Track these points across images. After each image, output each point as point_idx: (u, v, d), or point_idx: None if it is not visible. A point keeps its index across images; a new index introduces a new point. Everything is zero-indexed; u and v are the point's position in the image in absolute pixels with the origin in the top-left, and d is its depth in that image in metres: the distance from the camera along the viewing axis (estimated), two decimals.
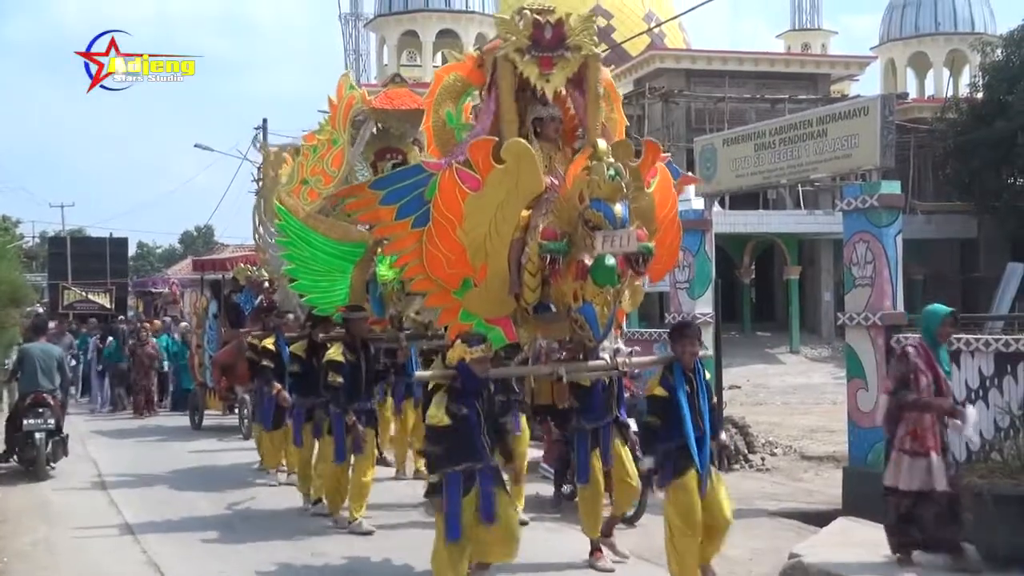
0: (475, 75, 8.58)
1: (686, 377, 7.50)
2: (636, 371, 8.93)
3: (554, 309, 7.71)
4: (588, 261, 7.16)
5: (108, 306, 30.73)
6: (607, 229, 7.09)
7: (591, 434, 8.60)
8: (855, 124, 14.24)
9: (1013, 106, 29.23)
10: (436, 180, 7.50)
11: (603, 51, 8.47)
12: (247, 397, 16.08)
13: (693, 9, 36.70)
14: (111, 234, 39.43)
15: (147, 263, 79.79)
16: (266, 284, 15.63)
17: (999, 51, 32.16)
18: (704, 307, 13.32)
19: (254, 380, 13.49)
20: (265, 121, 35.61)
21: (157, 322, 24.16)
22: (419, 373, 8.32)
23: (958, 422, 7.74)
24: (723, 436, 7.82)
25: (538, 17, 7.84)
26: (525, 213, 7.58)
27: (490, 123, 7.99)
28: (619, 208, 7.16)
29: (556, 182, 7.73)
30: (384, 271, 10.53)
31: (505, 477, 7.68)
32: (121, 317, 28.43)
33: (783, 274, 32.62)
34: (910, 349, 8.06)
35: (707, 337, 12.45)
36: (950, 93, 39.31)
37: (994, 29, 39.89)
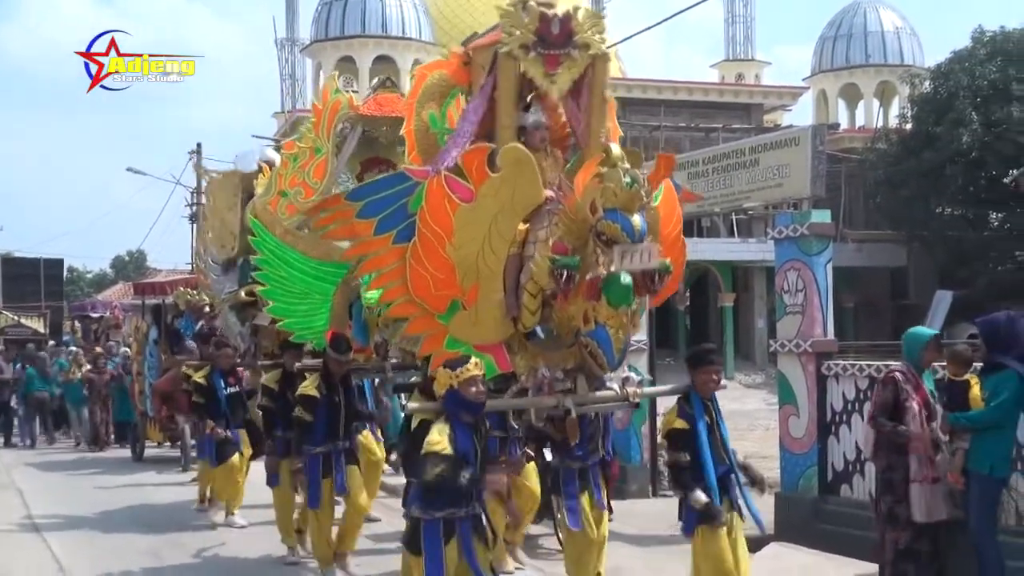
0: (460, 74, 7.83)
1: (704, 407, 6.98)
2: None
3: (541, 335, 6.98)
4: (599, 279, 6.47)
5: (42, 331, 29.74)
6: (624, 242, 6.39)
7: (579, 474, 7.73)
8: (787, 154, 14.47)
9: (941, 137, 29.76)
10: (422, 190, 6.74)
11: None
12: (187, 428, 15.78)
13: (629, 38, 37.29)
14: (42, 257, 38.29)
15: (77, 288, 78.58)
16: (207, 309, 15.11)
17: (927, 83, 32.76)
18: (639, 334, 13.38)
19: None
20: (199, 145, 35.36)
21: (99, 348, 23.42)
22: (411, 405, 7.26)
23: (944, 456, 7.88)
24: (739, 458, 7.24)
25: (545, 10, 7.07)
26: (522, 227, 6.89)
27: (473, 128, 7.23)
28: (637, 219, 6.48)
29: (554, 192, 7.04)
30: (370, 295, 9.76)
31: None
32: (52, 343, 27.68)
33: (717, 301, 32.90)
34: (898, 375, 8.09)
35: (642, 364, 12.52)
36: (880, 124, 40.03)
37: (922, 62, 40.64)
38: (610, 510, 7.99)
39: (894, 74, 40.17)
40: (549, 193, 6.98)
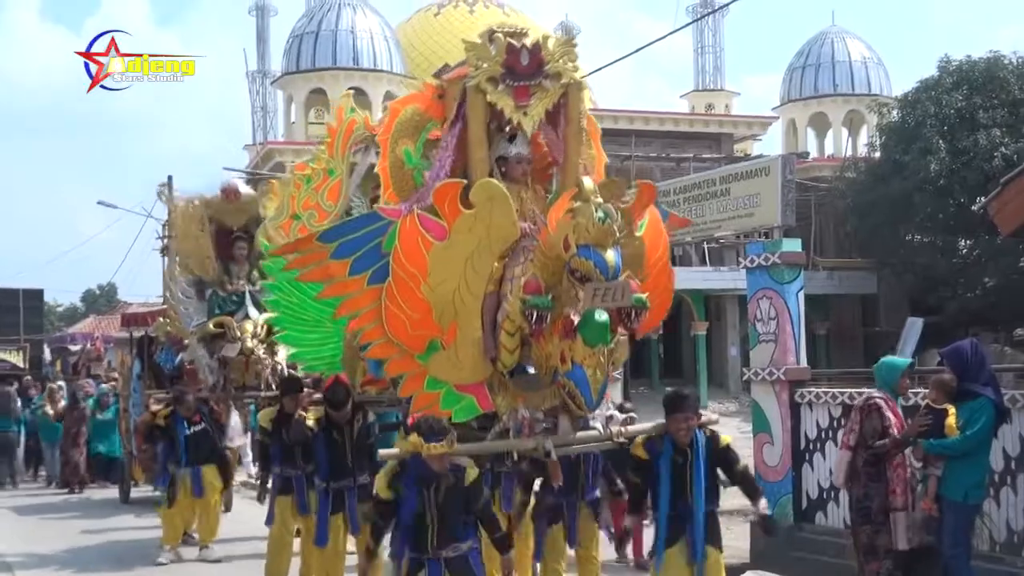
0: (435, 108, 7.66)
1: (677, 448, 6.93)
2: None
3: (532, 371, 6.85)
4: (575, 317, 6.38)
5: (21, 365, 28.18)
6: (597, 280, 6.30)
7: (553, 509, 7.82)
8: (757, 183, 14.58)
9: (908, 166, 29.99)
10: (395, 229, 6.64)
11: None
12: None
13: (599, 70, 37.15)
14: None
15: (47, 321, 77.86)
16: (186, 342, 14.46)
17: (895, 112, 33.07)
18: None
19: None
20: (170, 178, 35.06)
21: (89, 381, 22.40)
22: (382, 452, 7.15)
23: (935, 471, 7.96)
24: (762, 503, 7.26)
25: (512, 41, 6.98)
26: (498, 264, 6.80)
27: (450, 163, 7.11)
28: (611, 255, 6.38)
29: (531, 227, 6.92)
30: None
31: None
32: (27, 378, 26.74)
33: (690, 329, 32.94)
34: (880, 402, 8.12)
35: (616, 393, 12.52)
36: (849, 153, 40.34)
37: (890, 91, 41.05)
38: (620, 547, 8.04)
39: (862, 103, 40.54)
40: (525, 226, 6.88)
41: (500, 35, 7.03)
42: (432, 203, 6.72)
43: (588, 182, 6.57)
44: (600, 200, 6.49)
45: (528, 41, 7.04)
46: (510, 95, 6.92)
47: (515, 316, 6.58)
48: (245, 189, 13.95)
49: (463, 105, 7.12)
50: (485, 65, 6.93)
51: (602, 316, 6.32)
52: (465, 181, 6.82)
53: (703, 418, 7.23)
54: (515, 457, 7.36)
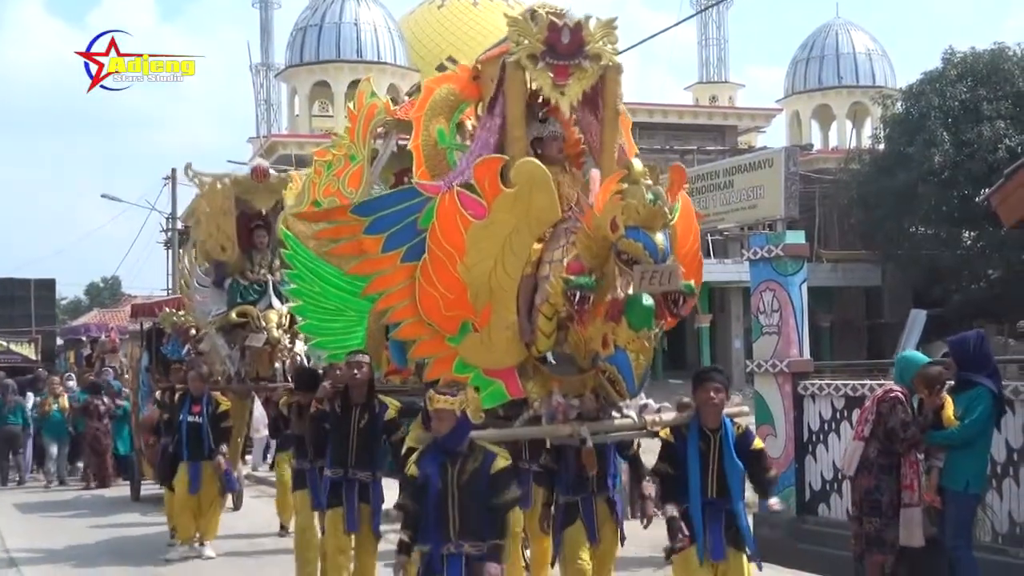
0: (470, 88, 7.57)
1: (703, 433, 6.58)
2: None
3: (552, 360, 6.69)
4: (620, 299, 6.20)
5: (33, 357, 27.66)
6: (646, 262, 6.10)
7: (566, 508, 7.25)
8: (760, 176, 14.57)
9: (913, 157, 30.03)
10: (433, 206, 6.47)
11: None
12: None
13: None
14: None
15: None
16: (193, 332, 14.21)
17: (899, 104, 33.12)
18: None
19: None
20: (174, 171, 35.10)
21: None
22: (413, 433, 7.01)
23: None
24: (774, 501, 6.90)
25: (555, 19, 6.80)
26: (537, 246, 6.64)
27: (495, 141, 6.94)
28: (660, 238, 6.17)
29: (571, 209, 6.74)
30: None
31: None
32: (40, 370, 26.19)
33: (694, 322, 32.99)
34: (900, 395, 8.10)
35: None
36: (853, 144, 40.37)
37: (894, 83, 41.07)
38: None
39: (866, 95, 40.55)
40: (566, 212, 6.73)
41: (542, 13, 6.86)
42: (471, 179, 6.57)
43: (638, 163, 6.37)
44: (649, 182, 6.28)
45: (570, 21, 6.88)
46: (549, 73, 6.79)
47: (555, 299, 6.40)
48: (273, 171, 13.62)
49: (502, 82, 6.95)
50: (526, 41, 6.77)
51: (648, 300, 6.16)
52: (506, 157, 6.67)
53: (733, 409, 7.01)
54: (548, 444, 7.16)
